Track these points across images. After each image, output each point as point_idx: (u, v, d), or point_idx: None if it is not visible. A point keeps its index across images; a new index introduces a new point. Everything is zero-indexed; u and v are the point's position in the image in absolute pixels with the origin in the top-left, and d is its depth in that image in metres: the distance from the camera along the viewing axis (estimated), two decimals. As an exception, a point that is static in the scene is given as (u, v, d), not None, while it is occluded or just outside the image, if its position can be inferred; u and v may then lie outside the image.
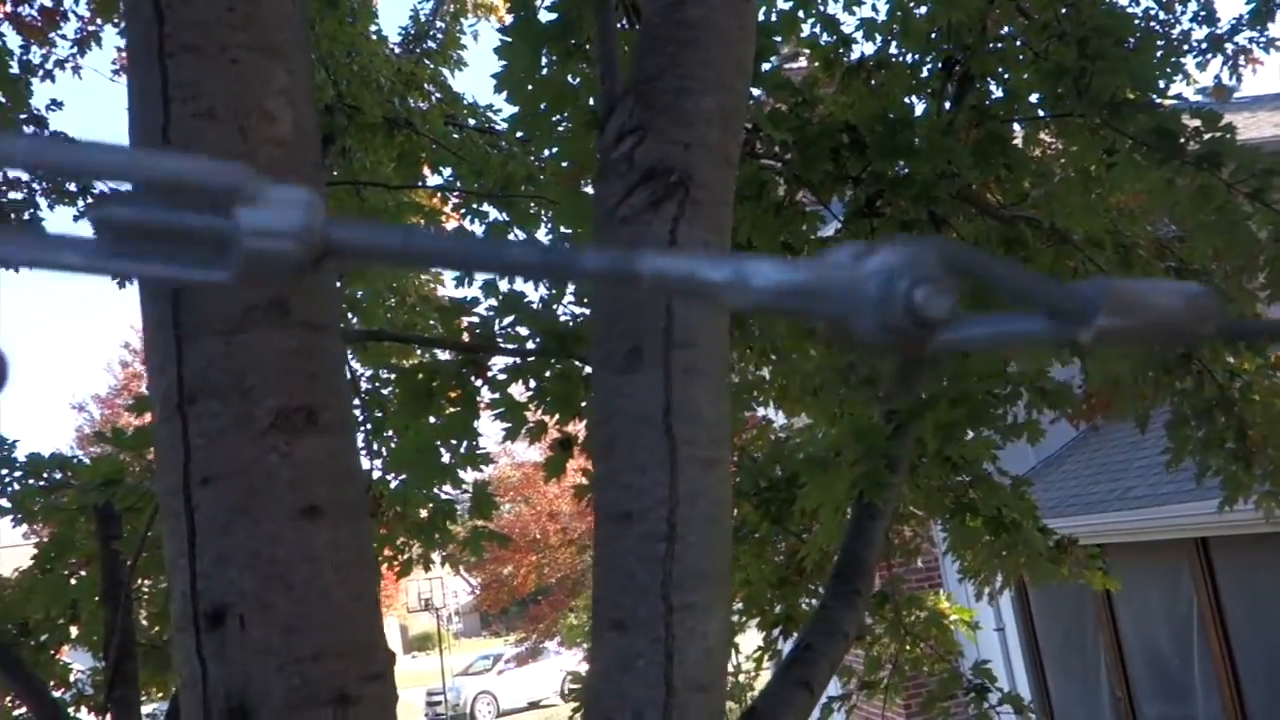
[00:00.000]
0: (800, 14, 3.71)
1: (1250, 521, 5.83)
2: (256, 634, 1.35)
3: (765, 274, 0.35)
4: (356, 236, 0.33)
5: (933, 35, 4.00)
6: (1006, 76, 4.29)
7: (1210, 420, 4.31)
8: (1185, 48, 5.74)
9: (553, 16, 2.67)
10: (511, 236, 5.16)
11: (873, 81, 3.83)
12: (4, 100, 5.28)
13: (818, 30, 3.97)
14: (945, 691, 4.70)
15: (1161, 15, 5.53)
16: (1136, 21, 4.74)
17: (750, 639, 5.24)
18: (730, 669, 6.54)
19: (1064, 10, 4.11)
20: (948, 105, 4.15)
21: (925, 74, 4.24)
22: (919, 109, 4.24)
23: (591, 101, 2.58)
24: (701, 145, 1.63)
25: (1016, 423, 4.59)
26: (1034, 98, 4.24)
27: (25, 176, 5.53)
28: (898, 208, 3.46)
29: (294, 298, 1.48)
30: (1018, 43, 4.35)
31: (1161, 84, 3.73)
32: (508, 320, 3.43)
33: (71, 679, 5.28)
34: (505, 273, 0.37)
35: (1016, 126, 4.42)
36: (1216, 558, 7.52)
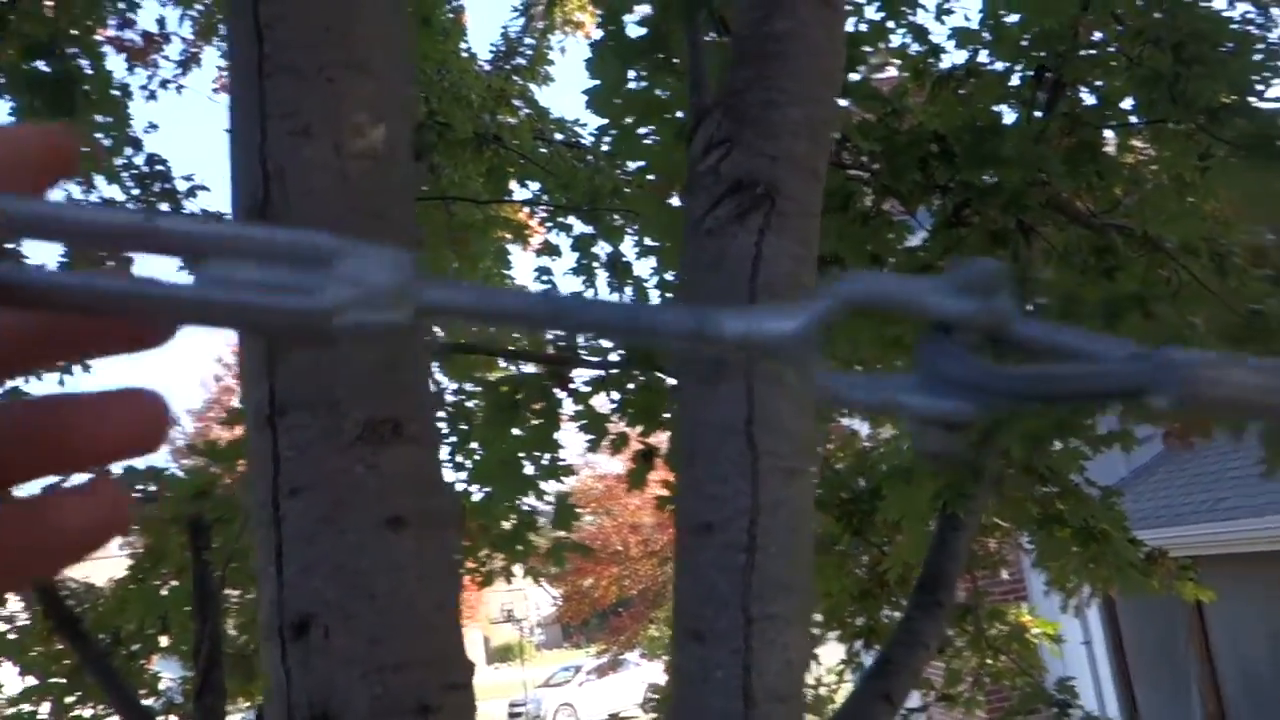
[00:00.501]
0: (890, 23, 3.67)
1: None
2: (340, 643, 1.37)
3: (838, 380, 0.36)
4: (448, 296, 0.34)
5: (1024, 43, 3.93)
6: (1100, 83, 4.21)
7: (1308, 432, 4.15)
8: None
9: (642, 31, 2.69)
10: (596, 249, 5.20)
11: (962, 91, 3.78)
12: (107, 119, 5.46)
13: (908, 40, 3.93)
14: (1026, 706, 4.60)
15: (1259, 19, 5.36)
16: (1233, 26, 4.61)
17: (832, 651, 5.19)
18: (811, 681, 6.49)
19: (1158, 15, 4.02)
20: (1039, 113, 4.07)
21: (1017, 82, 4.17)
22: (1009, 117, 4.18)
23: (680, 115, 2.59)
24: (788, 157, 1.63)
25: (1109, 432, 4.49)
26: (1127, 104, 4.15)
27: (120, 197, 5.73)
28: (986, 217, 3.40)
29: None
30: (1111, 49, 4.26)
31: (1260, 87, 3.61)
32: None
33: (161, 688, 5.41)
34: (587, 332, 0.37)
35: (1109, 134, 4.33)
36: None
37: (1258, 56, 3.81)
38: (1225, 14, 4.87)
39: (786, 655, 1.56)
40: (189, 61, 6.70)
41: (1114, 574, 4.56)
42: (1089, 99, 4.20)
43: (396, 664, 1.41)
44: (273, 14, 1.56)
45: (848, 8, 3.93)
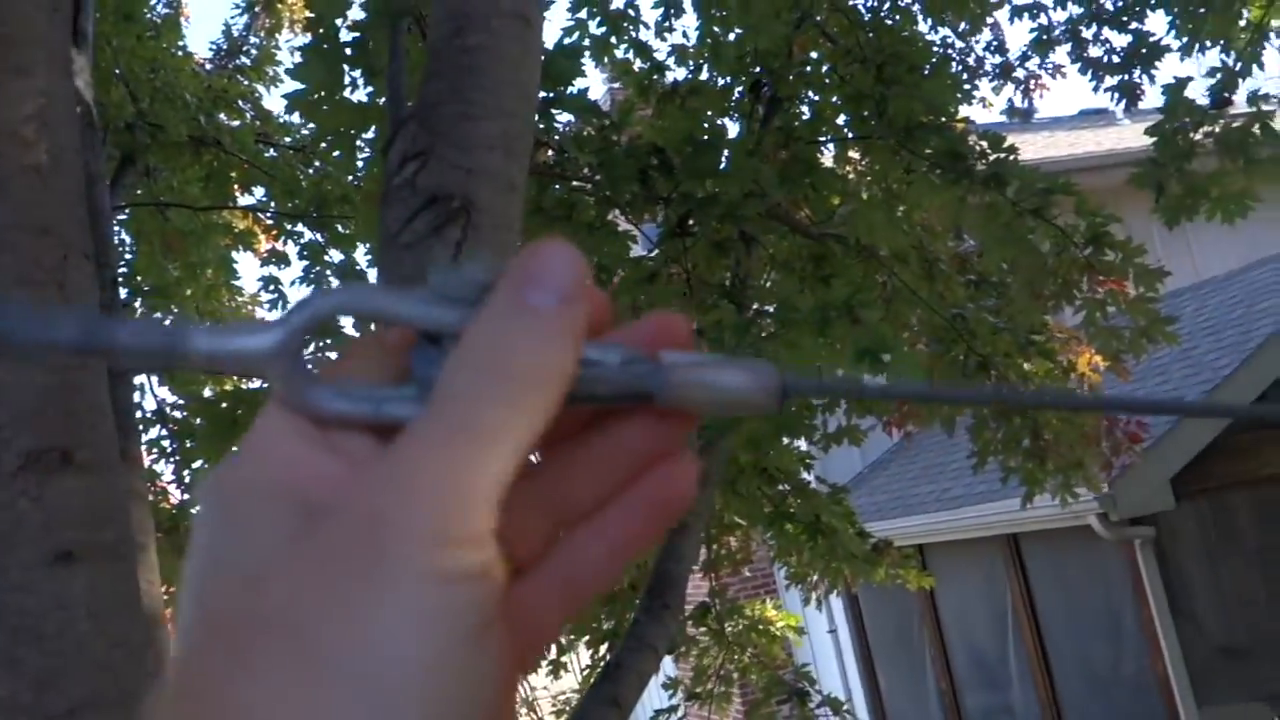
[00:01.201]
0: (613, 39, 3.75)
1: (1055, 516, 6.18)
2: (4, 692, 1.27)
3: (315, 393, 0.36)
4: None
5: (742, 59, 4.11)
6: (814, 99, 4.45)
7: (1008, 422, 4.54)
8: (981, 73, 6.06)
9: (353, 35, 2.62)
10: (327, 257, 5.04)
11: (686, 105, 3.91)
12: None
13: (630, 55, 4.02)
14: (770, 696, 4.80)
15: (958, 44, 5.84)
16: (934, 48, 4.99)
17: (582, 656, 5.24)
18: (567, 689, 6.52)
19: (866, 36, 4.29)
20: (758, 127, 4.27)
21: (737, 96, 4.35)
22: (733, 130, 4.35)
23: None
24: (484, 171, 1.63)
25: (837, 429, 4.75)
26: (841, 120, 4.41)
27: None
28: (708, 227, 3.53)
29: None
30: (824, 67, 4.51)
31: (952, 108, 3.92)
32: (323, 343, 3.35)
33: None
34: (48, 353, 0.36)
35: (828, 147, 4.58)
36: (1026, 553, 7.92)
37: (951, 79, 4.14)
38: (927, 38, 5.28)
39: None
40: None
41: (845, 565, 4.82)
42: (806, 114, 4.44)
43: (70, 709, 1.32)
44: (-88, 10, 1.42)
45: (569, 23, 4.00)
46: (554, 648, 4.86)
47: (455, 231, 1.58)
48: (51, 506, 1.33)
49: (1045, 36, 5.45)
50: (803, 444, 4.61)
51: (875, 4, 5.05)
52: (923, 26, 5.29)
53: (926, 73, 4.08)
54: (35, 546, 1.32)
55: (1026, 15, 5.52)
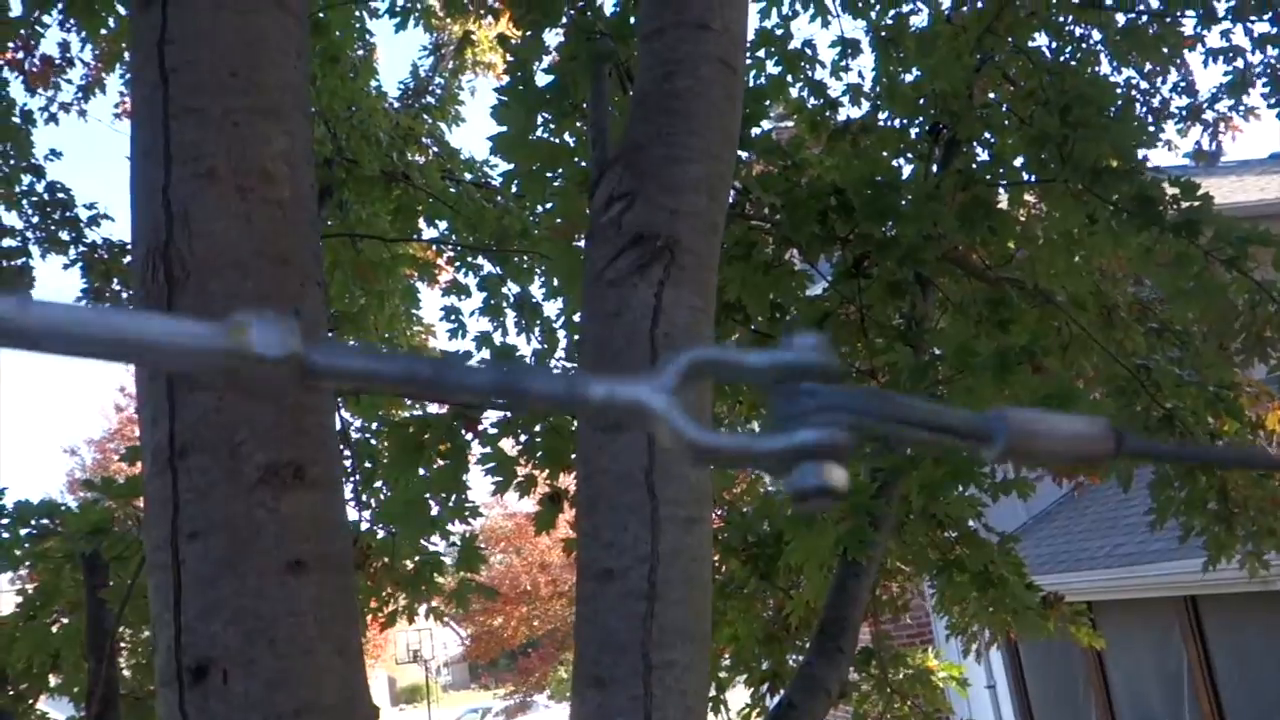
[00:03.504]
0: (789, 78, 3.79)
1: (1238, 580, 5.85)
2: (240, 689, 1.37)
3: (698, 433, 0.40)
4: (335, 360, 0.38)
5: (920, 101, 4.09)
6: (993, 141, 4.38)
7: (1192, 481, 4.34)
8: (1166, 115, 5.86)
9: (549, 79, 2.74)
10: (505, 289, 5.21)
11: (858, 144, 3.91)
12: (7, 147, 5.34)
13: (805, 94, 4.05)
14: (929, 750, 4.68)
15: (1143, 85, 5.66)
16: (1119, 90, 4.86)
17: (740, 695, 5.22)
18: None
19: (1048, 78, 4.21)
20: (935, 169, 4.23)
21: (913, 137, 4.33)
22: (906, 171, 4.33)
23: (583, 162, 2.64)
24: (688, 212, 1.68)
25: (1005, 479, 4.63)
26: (1019, 162, 4.33)
27: (19, 224, 5.60)
28: (885, 269, 3.51)
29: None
30: (1004, 109, 4.44)
31: (1141, 152, 3.80)
32: (499, 373, 3.46)
33: (51, 729, 5.23)
34: (465, 396, 0.41)
35: (1002, 190, 4.51)
36: (1206, 616, 7.52)
37: (1139, 122, 4.02)
38: (1110, 80, 5.14)
39: (686, 702, 1.58)
40: (91, 86, 6.59)
41: (1012, 618, 4.68)
42: (983, 156, 4.38)
43: (296, 709, 1.40)
44: (178, 57, 1.56)
45: (748, 63, 4.06)
46: (713, 684, 4.86)
47: (659, 270, 1.64)
48: (286, 518, 1.43)
49: (1240, 79, 5.24)
50: (973, 491, 4.52)
51: (1057, 45, 4.96)
52: (1106, 68, 5.17)
53: (1114, 115, 3.97)
54: (270, 555, 1.42)
55: (1221, 59, 5.32)
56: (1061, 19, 4.81)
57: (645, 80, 1.77)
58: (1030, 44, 4.63)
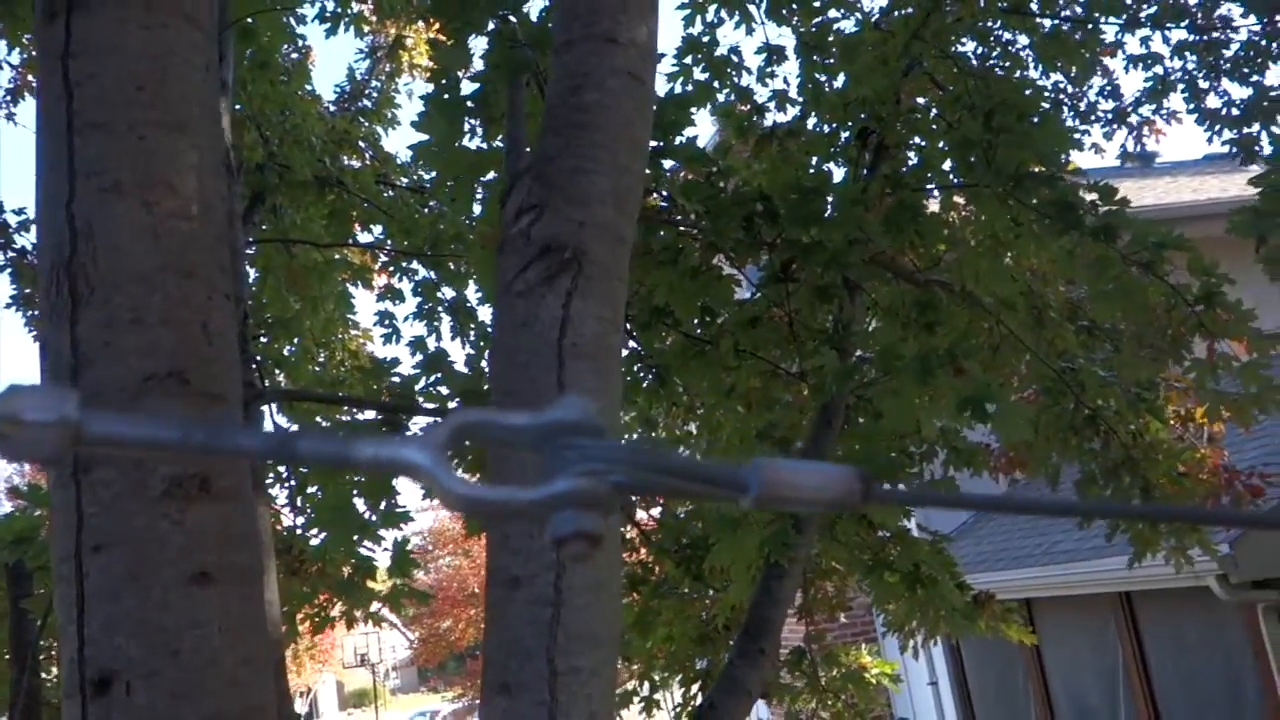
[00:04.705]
0: (715, 84, 3.83)
1: (1169, 576, 5.99)
2: (142, 700, 1.37)
3: (462, 487, 0.43)
4: (108, 429, 0.40)
5: (847, 106, 4.14)
6: (922, 145, 4.45)
7: (1117, 479, 4.44)
8: (1093, 118, 5.98)
9: (474, 87, 2.75)
10: (439, 294, 5.21)
11: (785, 149, 3.96)
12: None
13: (732, 99, 4.10)
14: (863, 747, 4.75)
15: (1070, 89, 5.78)
16: (1046, 94, 4.96)
17: (677, 698, 5.25)
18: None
19: (974, 83, 4.28)
20: (865, 173, 4.29)
21: (843, 141, 4.39)
22: (838, 175, 4.39)
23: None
24: (595, 224, 1.71)
25: (934, 479, 4.70)
26: (947, 166, 4.41)
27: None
28: (812, 273, 3.56)
29: (193, 367, 1.53)
30: (932, 113, 4.52)
31: (1063, 157, 3.89)
32: (432, 379, 3.47)
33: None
34: (227, 456, 0.44)
35: (934, 194, 4.58)
36: (1140, 611, 7.67)
37: (1062, 126, 4.11)
38: (1039, 83, 5.24)
39: (591, 707, 1.61)
40: (19, 90, 6.48)
41: (943, 617, 4.75)
42: (913, 160, 4.45)
43: (201, 719, 1.41)
44: (83, 71, 1.56)
45: (673, 69, 4.11)
46: (647, 685, 4.90)
47: (566, 281, 1.66)
48: (191, 530, 1.44)
49: (1160, 85, 5.37)
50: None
51: (984, 50, 5.05)
52: (1033, 73, 5.26)
53: (1036, 120, 4.06)
54: (175, 567, 1.42)
55: (1141, 66, 5.44)
56: (988, 24, 4.89)
57: (555, 93, 1.80)
58: (958, 49, 4.71)
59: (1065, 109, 5.73)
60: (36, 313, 5.64)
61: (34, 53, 5.59)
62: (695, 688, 4.48)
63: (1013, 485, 9.48)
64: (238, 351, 1.67)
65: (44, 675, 4.67)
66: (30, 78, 6.23)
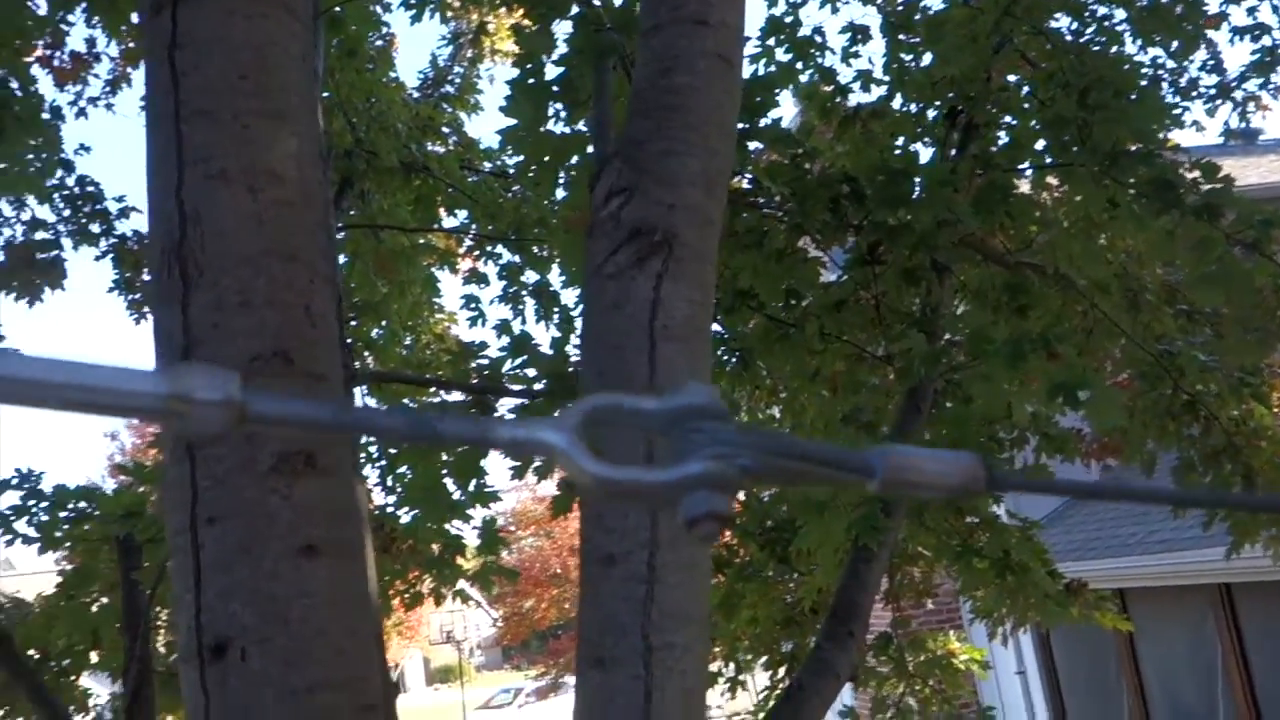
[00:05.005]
0: (799, 65, 3.79)
1: (1272, 568, 5.81)
2: (256, 666, 1.43)
3: (595, 466, 0.44)
4: (270, 408, 0.42)
5: (935, 84, 4.08)
6: (1013, 125, 4.36)
7: (1217, 466, 4.32)
8: (1194, 94, 5.79)
9: (559, 71, 2.77)
10: (524, 278, 5.27)
11: (869, 129, 3.91)
12: (39, 142, 5.44)
13: (816, 80, 4.06)
14: (950, 735, 4.71)
15: (1170, 64, 5.59)
16: (1144, 69, 4.81)
17: (763, 679, 5.26)
18: (750, 709, 6.56)
19: (1068, 59, 4.18)
20: (953, 153, 4.22)
21: (930, 121, 4.32)
22: (925, 156, 4.32)
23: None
24: (685, 206, 1.72)
25: (1026, 466, 4.62)
26: (1040, 146, 4.31)
27: (51, 218, 5.70)
28: (899, 255, 3.52)
29: (297, 348, 1.57)
30: (1023, 92, 4.42)
31: (1162, 135, 3.78)
32: (518, 362, 3.52)
33: (91, 704, 5.37)
34: (375, 436, 0.46)
35: (1025, 174, 4.49)
36: (1240, 604, 7.46)
37: (1159, 105, 3.99)
38: (1137, 59, 5.09)
39: (685, 683, 1.63)
40: (118, 81, 6.67)
41: (1034, 604, 4.68)
42: (1003, 139, 4.36)
43: (309, 686, 1.46)
44: (188, 61, 1.61)
45: (756, 50, 4.08)
46: (732, 665, 4.91)
47: (657, 263, 1.67)
48: (298, 504, 1.49)
49: (1268, 58, 5.17)
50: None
51: (1079, 26, 4.92)
52: (1131, 48, 5.12)
53: (1134, 97, 3.95)
54: (283, 540, 1.47)
55: (1247, 37, 5.25)
56: (1082, -1, 4.76)
57: (643, 76, 1.81)
58: (1051, 25, 4.59)
59: (1165, 85, 5.55)
60: (138, 296, 5.83)
61: (132, 44, 5.78)
62: (781, 670, 4.48)
63: (1105, 473, 9.28)
64: (338, 333, 1.72)
65: (154, 643, 4.85)
66: (129, 69, 6.42)
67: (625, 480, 0.45)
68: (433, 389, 3.97)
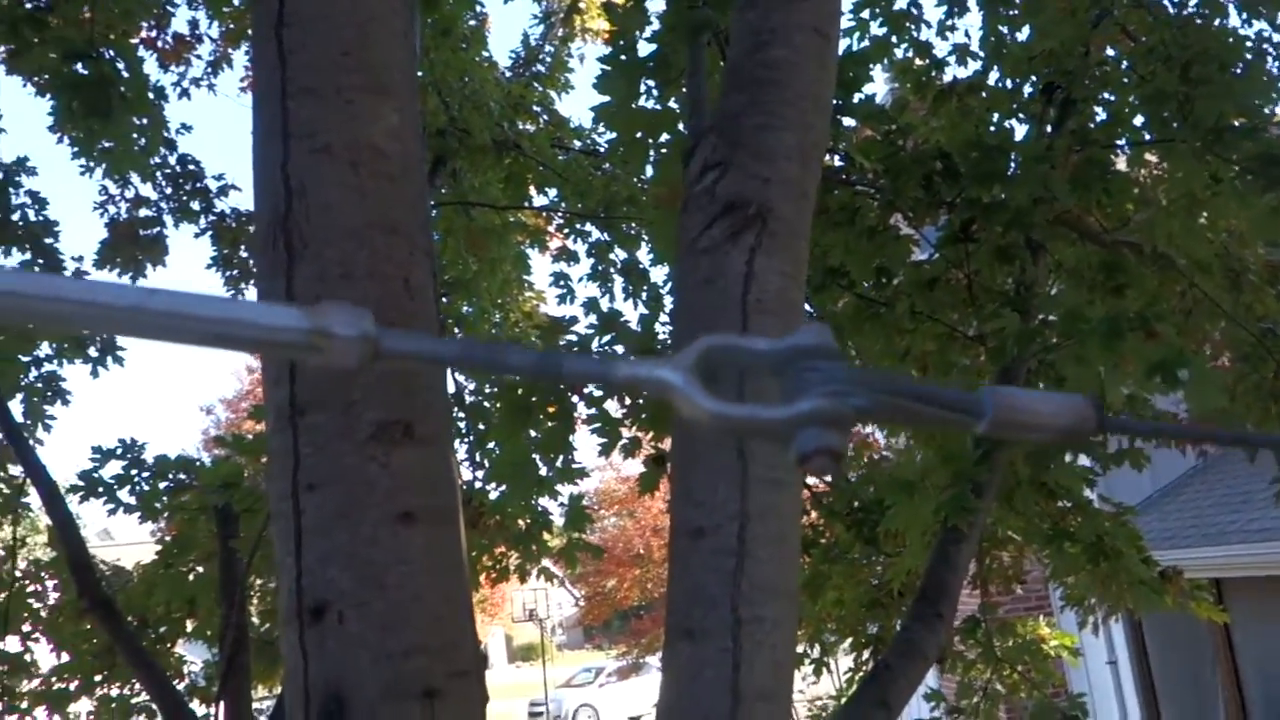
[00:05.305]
0: (893, 39, 3.74)
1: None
2: (354, 629, 1.47)
3: (710, 402, 0.45)
4: (403, 344, 0.44)
5: (1031, 59, 3.99)
6: (1111, 100, 4.26)
7: (1325, 450, 4.18)
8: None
9: (651, 48, 2.78)
10: (612, 256, 5.30)
11: (965, 104, 3.84)
12: (143, 121, 5.61)
13: (910, 55, 4.00)
14: (1039, 720, 4.64)
15: (1276, 37, 5.38)
16: (1250, 43, 4.64)
17: (847, 662, 5.24)
18: (835, 691, 6.54)
19: (1170, 33, 4.06)
20: (1049, 129, 4.13)
21: (1026, 97, 4.23)
22: (1020, 132, 4.23)
23: (685, 130, 2.67)
24: (780, 180, 1.71)
25: (1120, 450, 4.52)
26: (1138, 121, 4.20)
27: (153, 195, 5.89)
28: (993, 233, 3.47)
29: (397, 320, 1.61)
30: (1123, 66, 4.30)
31: (1268, 110, 3.65)
32: (606, 339, 3.54)
33: (186, 670, 5.56)
34: (512, 374, 0.47)
35: (1121, 151, 4.38)
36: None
37: (1265, 79, 3.85)
38: (1241, 32, 4.91)
39: (774, 656, 1.63)
40: (219, 62, 6.84)
41: (1127, 591, 4.59)
42: (1101, 115, 4.25)
43: (405, 650, 1.50)
44: (294, 39, 1.65)
45: (850, 24, 4.03)
46: (817, 648, 4.90)
47: (750, 237, 1.67)
48: (396, 472, 1.52)
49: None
50: (1085, 460, 4.43)
51: (1182, -1, 4.77)
52: (1235, 21, 4.94)
53: (1239, 71, 3.82)
54: (381, 507, 1.51)
55: (1361, 6, 5.02)
56: (1187, -29, 4.61)
57: (738, 51, 1.81)
58: (1152, -2, 4.46)
59: (1270, 59, 5.35)
60: (235, 272, 5.99)
61: (233, 26, 5.92)
62: (866, 653, 4.46)
63: (1202, 458, 9.02)
64: (435, 306, 1.75)
65: (249, 611, 5.01)
66: (230, 50, 6.57)
67: (741, 416, 0.46)
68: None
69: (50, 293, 0.40)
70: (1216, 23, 4.63)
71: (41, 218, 5.16)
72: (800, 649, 5.04)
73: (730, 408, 0.46)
